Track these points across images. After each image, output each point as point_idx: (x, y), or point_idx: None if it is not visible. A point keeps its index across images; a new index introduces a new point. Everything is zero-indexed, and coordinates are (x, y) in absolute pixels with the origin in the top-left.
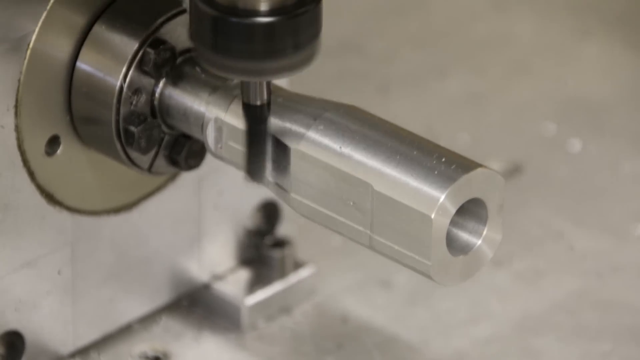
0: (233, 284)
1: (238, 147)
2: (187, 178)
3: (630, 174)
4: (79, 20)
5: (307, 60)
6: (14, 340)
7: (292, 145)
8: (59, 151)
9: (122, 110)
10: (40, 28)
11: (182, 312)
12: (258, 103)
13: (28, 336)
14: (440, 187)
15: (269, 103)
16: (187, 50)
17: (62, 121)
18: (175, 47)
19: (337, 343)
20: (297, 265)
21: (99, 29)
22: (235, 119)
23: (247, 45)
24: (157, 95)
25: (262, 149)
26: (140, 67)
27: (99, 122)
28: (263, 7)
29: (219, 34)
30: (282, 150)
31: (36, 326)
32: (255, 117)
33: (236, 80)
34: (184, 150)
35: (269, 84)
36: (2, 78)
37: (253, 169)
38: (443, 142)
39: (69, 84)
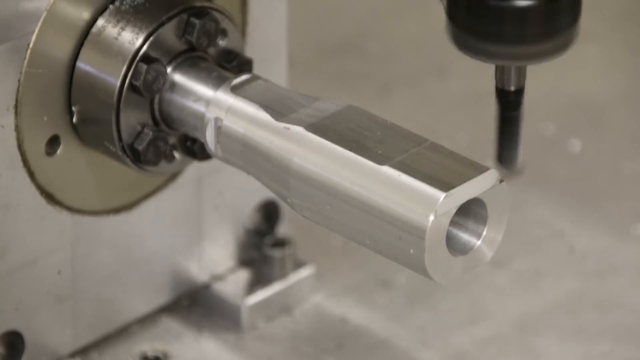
0: (233, 284)
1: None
2: (187, 178)
3: (630, 174)
4: (79, 20)
5: (564, 46)
6: (14, 340)
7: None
8: (59, 151)
9: (123, 113)
10: (40, 28)
11: (182, 312)
12: (512, 89)
13: (28, 336)
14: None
15: (522, 88)
16: (187, 51)
17: (62, 121)
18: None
19: (337, 343)
20: (297, 265)
21: (99, 29)
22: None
23: (507, 29)
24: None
25: (515, 135)
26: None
27: (99, 122)
28: None
29: (475, 16)
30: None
31: (36, 326)
32: (510, 102)
33: (490, 63)
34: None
35: (524, 69)
36: (2, 78)
37: (506, 156)
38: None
39: (69, 84)
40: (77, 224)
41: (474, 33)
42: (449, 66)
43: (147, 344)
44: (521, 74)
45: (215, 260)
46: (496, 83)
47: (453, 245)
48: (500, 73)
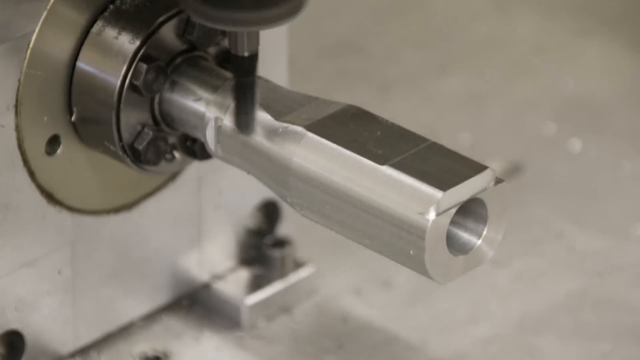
0: (233, 283)
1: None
2: (187, 178)
3: (630, 174)
4: (79, 20)
5: (294, 11)
6: (14, 340)
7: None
8: (59, 151)
9: (123, 113)
10: (40, 28)
11: (182, 312)
12: (246, 54)
13: (28, 336)
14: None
15: (256, 54)
16: (186, 51)
17: (62, 121)
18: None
19: (337, 343)
20: (297, 265)
21: (99, 29)
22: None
23: None
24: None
25: (251, 100)
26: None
27: (99, 122)
28: None
29: None
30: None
31: (36, 326)
32: (243, 68)
33: (223, 29)
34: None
35: (256, 34)
36: (2, 78)
37: (243, 121)
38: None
39: (69, 83)
40: (77, 223)
41: (208, 1)
42: (449, 66)
43: (147, 344)
44: (253, 40)
45: (215, 260)
46: (230, 49)
47: (453, 245)
48: (234, 39)
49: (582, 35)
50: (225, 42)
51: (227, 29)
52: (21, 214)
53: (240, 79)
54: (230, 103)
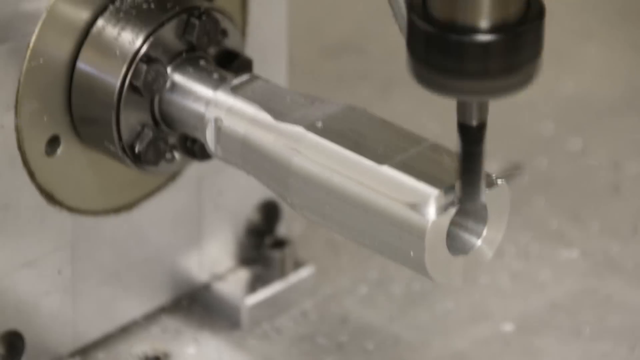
0: (233, 283)
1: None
2: (187, 178)
3: (630, 174)
4: (79, 21)
5: (526, 81)
6: (14, 340)
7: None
8: (59, 151)
9: (123, 113)
10: (40, 28)
11: (182, 312)
12: (474, 124)
13: (28, 336)
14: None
15: (484, 124)
16: (187, 51)
17: (62, 121)
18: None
19: (337, 343)
20: (297, 265)
21: (99, 29)
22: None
23: (462, 64)
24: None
25: (478, 170)
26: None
27: (99, 122)
28: (484, 24)
29: (435, 51)
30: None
31: (36, 326)
32: (472, 138)
33: (451, 99)
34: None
35: (486, 104)
36: (2, 78)
37: (469, 192)
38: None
39: (69, 83)
40: (77, 224)
41: (435, 68)
42: None
43: (147, 344)
44: (483, 109)
45: (215, 260)
46: (458, 118)
47: (453, 245)
48: (462, 108)
49: (582, 35)
50: (225, 42)
51: (460, 98)
52: (21, 214)
53: (467, 148)
54: (230, 103)
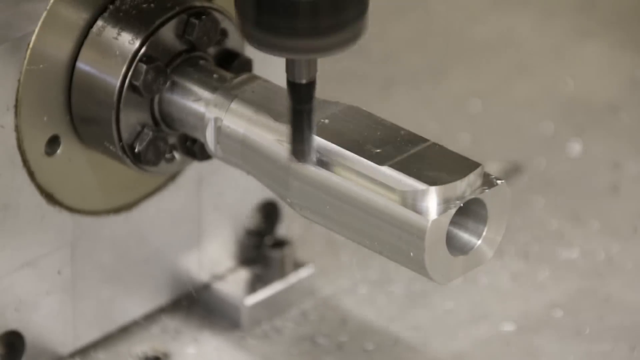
0: (233, 284)
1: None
2: (187, 178)
3: (631, 174)
4: (79, 20)
5: (353, 38)
6: (14, 340)
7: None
8: (59, 151)
9: (123, 113)
10: (40, 28)
11: (182, 312)
12: (304, 81)
13: (28, 336)
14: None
15: (314, 81)
16: (186, 51)
17: (62, 121)
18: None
19: (337, 343)
20: (297, 265)
21: (99, 29)
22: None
23: (293, 22)
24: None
25: (307, 128)
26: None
27: (99, 122)
28: None
29: (264, 10)
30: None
31: (36, 326)
32: (300, 95)
33: (283, 57)
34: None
35: (314, 61)
36: (2, 78)
37: (298, 149)
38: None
39: (69, 84)
40: (77, 224)
41: (264, 28)
42: (449, 66)
43: (147, 344)
44: (312, 67)
45: (215, 260)
46: (287, 77)
47: (453, 245)
48: (291, 66)
49: (582, 35)
50: (225, 43)
51: (287, 56)
52: (21, 214)
53: (297, 106)
54: (230, 103)
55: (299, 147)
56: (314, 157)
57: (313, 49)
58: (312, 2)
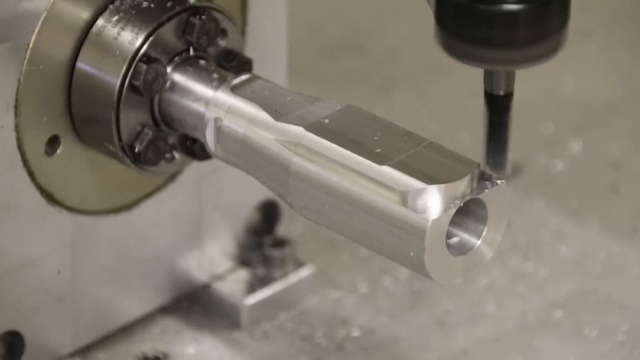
0: (233, 283)
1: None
2: (187, 178)
3: (630, 174)
4: (79, 20)
5: (551, 51)
6: (14, 340)
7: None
8: (59, 151)
9: (123, 113)
10: (40, 28)
11: (182, 312)
12: (501, 93)
13: (28, 336)
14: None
15: (511, 92)
16: (187, 50)
17: (62, 121)
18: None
19: (337, 343)
20: (297, 265)
21: (99, 29)
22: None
23: (489, 33)
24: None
25: (504, 140)
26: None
27: (99, 122)
28: None
29: (464, 21)
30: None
31: (36, 326)
32: (498, 107)
33: (479, 68)
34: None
35: (513, 73)
36: (2, 78)
37: (495, 161)
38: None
39: (68, 83)
40: (77, 224)
41: (462, 38)
42: (449, 66)
43: (147, 344)
44: (510, 79)
45: (215, 260)
46: (485, 87)
47: (453, 246)
48: (489, 77)
49: (582, 35)
50: (225, 42)
51: (487, 68)
52: (21, 214)
53: (495, 118)
54: (230, 103)
55: (497, 158)
56: (509, 168)
57: (510, 60)
58: (509, 13)
